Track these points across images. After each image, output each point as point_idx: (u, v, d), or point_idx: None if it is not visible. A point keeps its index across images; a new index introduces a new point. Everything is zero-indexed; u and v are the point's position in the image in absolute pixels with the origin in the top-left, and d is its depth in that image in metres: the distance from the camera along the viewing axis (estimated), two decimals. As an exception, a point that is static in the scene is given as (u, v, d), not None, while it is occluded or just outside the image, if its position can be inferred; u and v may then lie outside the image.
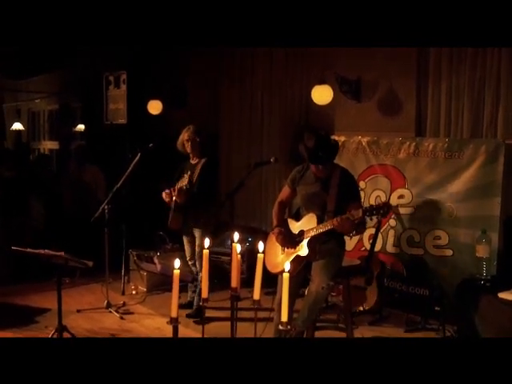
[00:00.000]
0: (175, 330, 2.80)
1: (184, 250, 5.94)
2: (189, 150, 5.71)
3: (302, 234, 4.36)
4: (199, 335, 4.94)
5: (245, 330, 3.61)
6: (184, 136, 5.70)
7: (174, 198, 5.55)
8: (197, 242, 5.65)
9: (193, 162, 5.75)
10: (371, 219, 4.06)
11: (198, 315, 5.56)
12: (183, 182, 5.57)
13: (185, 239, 5.87)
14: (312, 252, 4.25)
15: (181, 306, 5.50)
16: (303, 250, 4.26)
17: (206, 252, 3.00)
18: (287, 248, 4.42)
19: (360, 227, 4.33)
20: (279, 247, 4.46)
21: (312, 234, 4.25)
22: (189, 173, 5.59)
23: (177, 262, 2.79)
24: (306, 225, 4.35)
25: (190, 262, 5.83)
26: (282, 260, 4.36)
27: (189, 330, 5.24)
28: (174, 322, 2.80)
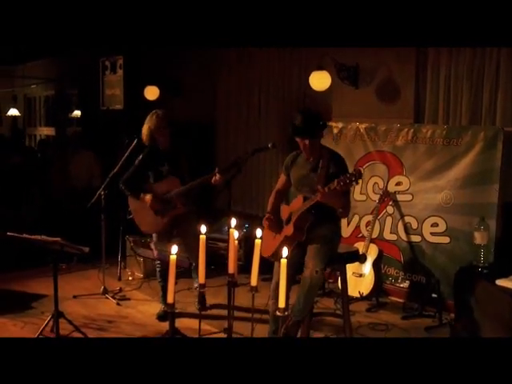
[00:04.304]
0: (172, 316, 2.79)
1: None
2: (164, 136, 5.20)
3: (291, 216, 4.37)
4: (196, 321, 4.97)
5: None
6: (161, 123, 5.16)
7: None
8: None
9: (164, 150, 5.26)
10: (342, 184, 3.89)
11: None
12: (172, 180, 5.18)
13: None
14: (298, 231, 4.22)
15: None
16: (289, 229, 4.27)
17: (202, 237, 2.98)
18: (275, 232, 4.43)
19: (345, 198, 4.23)
20: (272, 232, 4.48)
21: (298, 213, 4.24)
22: (166, 164, 5.22)
23: (174, 248, 2.77)
24: (295, 207, 4.36)
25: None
26: (272, 243, 4.39)
27: (185, 318, 5.25)
28: (171, 308, 2.79)
